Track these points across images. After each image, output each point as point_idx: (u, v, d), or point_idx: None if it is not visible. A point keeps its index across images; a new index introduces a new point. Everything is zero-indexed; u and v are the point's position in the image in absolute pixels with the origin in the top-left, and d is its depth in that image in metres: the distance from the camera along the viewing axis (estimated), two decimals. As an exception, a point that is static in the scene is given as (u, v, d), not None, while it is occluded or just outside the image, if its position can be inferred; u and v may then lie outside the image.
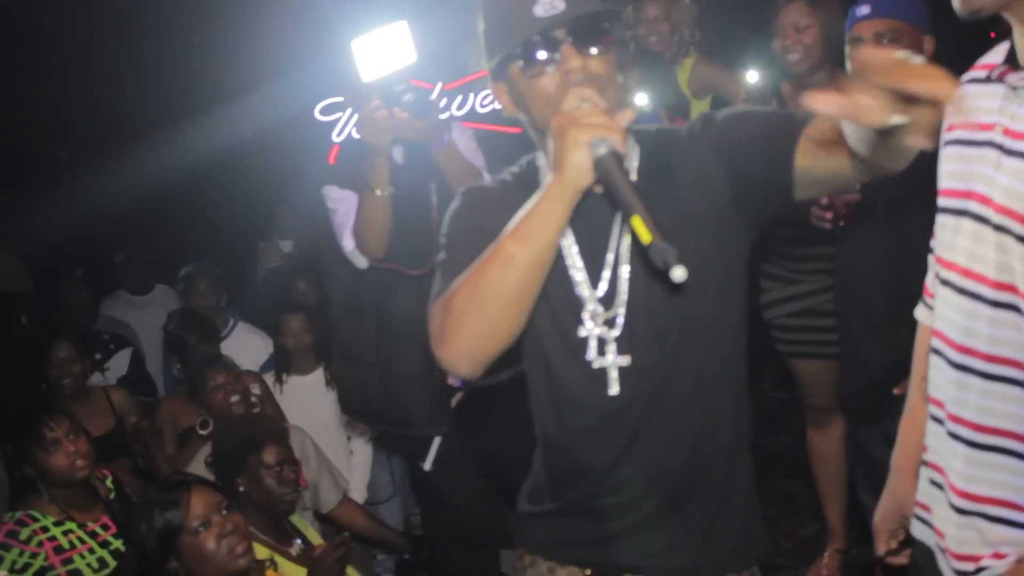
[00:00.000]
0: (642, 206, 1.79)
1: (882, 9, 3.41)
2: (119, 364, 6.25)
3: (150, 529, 2.99)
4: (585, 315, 2.19)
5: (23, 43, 8.39)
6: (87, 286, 6.98)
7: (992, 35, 2.30)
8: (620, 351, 2.17)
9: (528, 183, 2.15)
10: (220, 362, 4.93)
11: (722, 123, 2.18)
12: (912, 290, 3.35)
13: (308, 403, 5.36)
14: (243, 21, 8.68)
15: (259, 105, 8.88)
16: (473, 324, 2.00)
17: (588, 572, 2.31)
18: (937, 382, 2.23)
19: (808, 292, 4.33)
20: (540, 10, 2.03)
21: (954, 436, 2.15)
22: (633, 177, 2.15)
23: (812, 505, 5.07)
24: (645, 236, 1.75)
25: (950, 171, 2.19)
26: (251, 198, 8.61)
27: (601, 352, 2.18)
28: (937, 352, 2.22)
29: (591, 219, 2.16)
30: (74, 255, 8.08)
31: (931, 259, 2.41)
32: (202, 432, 4.62)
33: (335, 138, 8.73)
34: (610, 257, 2.18)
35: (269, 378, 5.39)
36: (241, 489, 3.75)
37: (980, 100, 2.11)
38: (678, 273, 1.73)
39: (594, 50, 2.07)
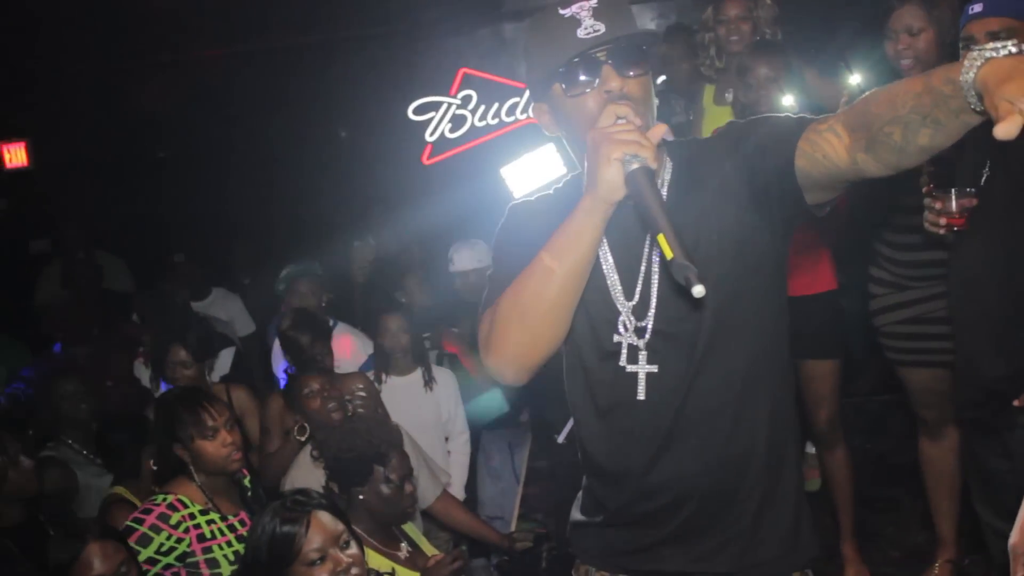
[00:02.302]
0: (667, 223, 1.88)
1: (996, 7, 3.31)
2: (223, 362, 6.35)
3: (266, 535, 2.96)
4: (619, 323, 2.28)
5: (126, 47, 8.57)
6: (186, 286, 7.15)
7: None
8: (649, 359, 2.26)
9: (571, 198, 2.19)
10: (316, 367, 4.96)
11: (739, 130, 2.29)
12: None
13: (407, 403, 5.38)
14: (334, 21, 8.76)
15: (353, 104, 8.98)
16: (516, 334, 2.14)
17: None
18: None
19: (920, 299, 4.25)
20: (582, 32, 2.14)
21: None
22: (664, 190, 2.25)
23: (920, 512, 4.99)
24: (668, 252, 1.85)
25: None
26: (345, 196, 8.66)
27: (632, 359, 2.27)
28: None
29: (626, 231, 2.25)
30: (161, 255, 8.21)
31: None
32: (299, 438, 4.64)
33: (428, 137, 8.88)
34: (643, 268, 2.27)
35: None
36: (361, 498, 3.76)
37: None
38: (697, 290, 1.82)
39: (632, 71, 2.17)
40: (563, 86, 2.20)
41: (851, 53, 4.50)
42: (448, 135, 8.86)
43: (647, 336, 2.25)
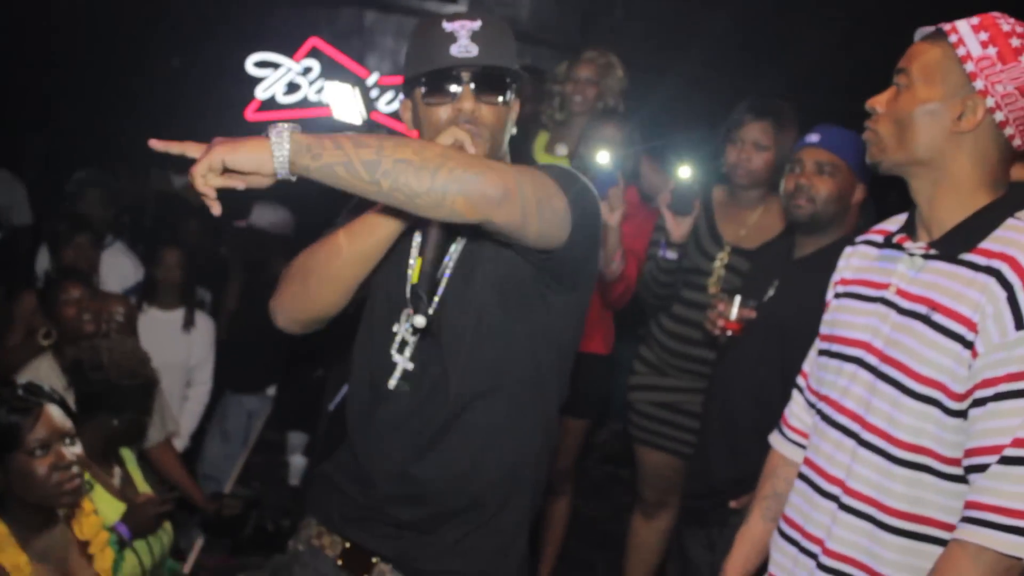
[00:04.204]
0: (432, 253, 2.08)
1: (830, 143, 3.54)
2: (-17, 242, 6.13)
3: None
4: (403, 314, 2.39)
5: None
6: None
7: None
8: (412, 356, 2.38)
9: None
10: (79, 275, 4.85)
11: None
12: (773, 414, 3.52)
13: (161, 339, 5.30)
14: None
15: (194, 37, 8.79)
16: (295, 288, 2.33)
17: (348, 546, 2.46)
18: (799, 506, 2.42)
19: (675, 387, 4.42)
20: (456, 50, 2.25)
21: (808, 554, 2.35)
22: None
23: (610, 581, 5.23)
24: (415, 276, 2.04)
25: (839, 320, 2.44)
26: (162, 122, 8.45)
27: (400, 350, 2.39)
28: (805, 478, 2.41)
29: (444, 237, 2.31)
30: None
31: (795, 393, 2.66)
32: (44, 342, 4.51)
33: (259, 93, 8.79)
34: (439, 275, 2.35)
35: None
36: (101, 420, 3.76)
37: (874, 261, 2.40)
38: (418, 321, 2.05)
39: (489, 99, 2.29)
40: (423, 92, 2.29)
41: (681, 145, 4.65)
42: (279, 98, 8.78)
43: (419, 335, 2.37)
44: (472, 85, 2.25)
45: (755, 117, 4.14)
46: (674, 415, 4.44)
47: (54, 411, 2.97)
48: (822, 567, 2.29)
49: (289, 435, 5.86)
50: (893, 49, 2.43)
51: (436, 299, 2.31)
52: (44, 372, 4.36)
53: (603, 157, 4.24)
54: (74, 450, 2.96)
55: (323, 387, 4.68)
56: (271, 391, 6.34)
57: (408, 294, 2.04)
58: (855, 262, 2.47)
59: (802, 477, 2.43)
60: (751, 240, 4.25)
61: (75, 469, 2.93)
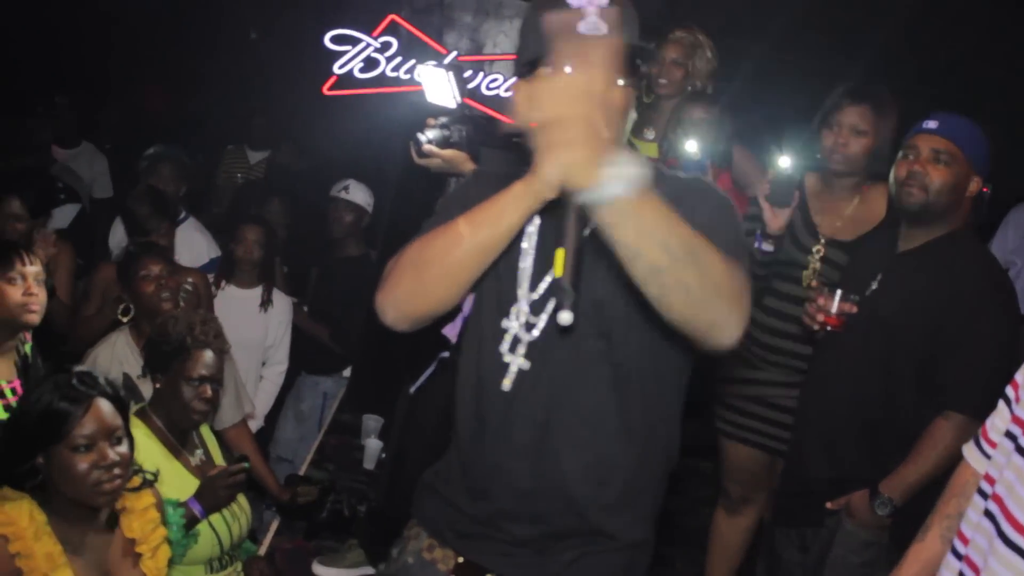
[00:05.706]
0: (574, 244, 1.83)
1: (949, 131, 3.39)
2: (63, 217, 6.13)
3: (40, 406, 2.80)
4: (513, 310, 2.26)
5: None
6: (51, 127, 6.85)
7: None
8: (527, 355, 2.24)
9: None
10: (160, 252, 4.80)
11: (697, 203, 2.16)
12: (873, 414, 3.40)
13: (238, 316, 5.28)
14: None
15: (272, 11, 8.76)
16: (408, 282, 2.17)
17: (461, 560, 2.35)
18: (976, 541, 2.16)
19: (767, 381, 4.30)
20: (584, 27, 2.01)
21: None
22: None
23: (690, 576, 5.11)
24: (559, 270, 1.80)
25: None
26: (236, 98, 8.44)
27: (512, 349, 2.26)
28: (991, 516, 2.12)
29: (560, 230, 2.12)
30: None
31: (1001, 404, 2.31)
32: (122, 319, 4.47)
33: (336, 69, 8.71)
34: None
35: (207, 282, 5.30)
36: (157, 386, 3.69)
37: None
38: (564, 317, 1.77)
39: (620, 80, 2.05)
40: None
41: (780, 131, 4.50)
42: (357, 74, 8.71)
43: (534, 333, 2.24)
44: None
45: (853, 101, 4.00)
46: (765, 410, 4.32)
47: (104, 406, 2.83)
48: None
49: (364, 418, 5.79)
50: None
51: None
52: (120, 347, 4.32)
53: (691, 146, 4.11)
54: (119, 449, 2.83)
55: (399, 370, 4.60)
56: (347, 373, 6.30)
57: (554, 289, 1.85)
58: None
59: (987, 513, 2.14)
60: (848, 232, 4.11)
61: (116, 471, 2.80)
